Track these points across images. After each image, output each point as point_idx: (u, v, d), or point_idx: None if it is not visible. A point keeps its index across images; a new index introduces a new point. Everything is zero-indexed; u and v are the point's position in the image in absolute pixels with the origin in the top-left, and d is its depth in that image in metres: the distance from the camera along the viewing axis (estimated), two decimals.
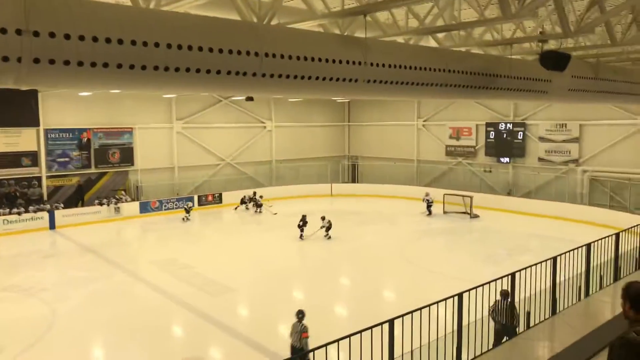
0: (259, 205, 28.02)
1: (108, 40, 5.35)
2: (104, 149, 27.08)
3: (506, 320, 9.12)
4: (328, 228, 21.24)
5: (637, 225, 10.84)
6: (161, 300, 14.57)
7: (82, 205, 25.47)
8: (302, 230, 21.22)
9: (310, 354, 5.46)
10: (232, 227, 25.73)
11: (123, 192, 27.35)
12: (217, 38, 6.44)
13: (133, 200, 27.26)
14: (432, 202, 26.71)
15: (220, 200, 29.60)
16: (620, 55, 14.06)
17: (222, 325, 12.70)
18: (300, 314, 9.68)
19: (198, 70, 6.31)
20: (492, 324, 9.22)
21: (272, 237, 22.40)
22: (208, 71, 6.41)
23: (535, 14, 8.87)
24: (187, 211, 26.34)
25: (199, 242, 22.11)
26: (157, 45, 5.80)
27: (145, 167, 28.43)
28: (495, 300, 9.06)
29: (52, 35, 4.98)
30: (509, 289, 8.03)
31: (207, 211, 28.64)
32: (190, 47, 6.11)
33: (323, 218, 21.41)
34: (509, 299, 8.90)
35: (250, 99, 26.85)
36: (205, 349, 11.65)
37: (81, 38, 5.15)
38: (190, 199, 28.41)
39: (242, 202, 28.91)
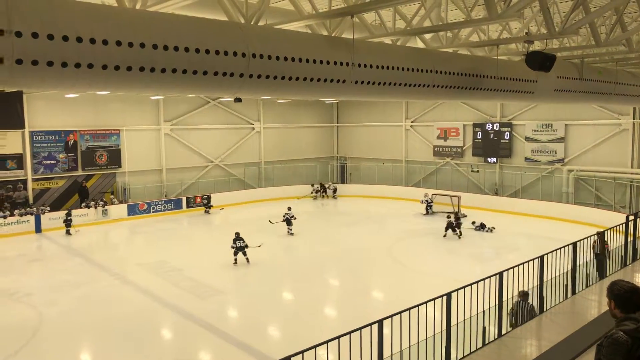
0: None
1: (92, 41, 5.29)
2: (91, 151, 26.83)
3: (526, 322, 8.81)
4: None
5: (621, 223, 10.97)
6: (150, 303, 14.46)
7: (87, 206, 25.30)
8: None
9: (299, 356, 5.44)
10: (221, 229, 25.61)
11: (111, 196, 27.12)
12: (203, 39, 6.40)
13: (121, 202, 27.04)
14: (432, 202, 26.90)
15: (209, 202, 29.45)
16: (604, 56, 14.22)
17: (212, 328, 12.63)
18: None
19: (184, 71, 6.27)
20: (480, 322, 9.24)
21: (260, 239, 22.30)
22: (195, 72, 6.36)
23: (521, 15, 8.94)
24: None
25: (188, 244, 21.98)
26: (142, 46, 5.74)
27: (133, 169, 28.21)
28: (516, 301, 9.01)
29: (35, 35, 4.91)
30: (498, 290, 8.03)
31: (196, 213, 28.49)
32: (176, 48, 6.07)
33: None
34: (529, 301, 8.80)
35: (238, 100, 26.78)
36: (195, 351, 11.57)
37: (65, 38, 5.09)
38: (178, 200, 28.35)
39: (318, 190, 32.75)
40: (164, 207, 27.85)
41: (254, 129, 33.45)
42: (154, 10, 7.88)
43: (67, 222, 23.18)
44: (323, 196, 32.65)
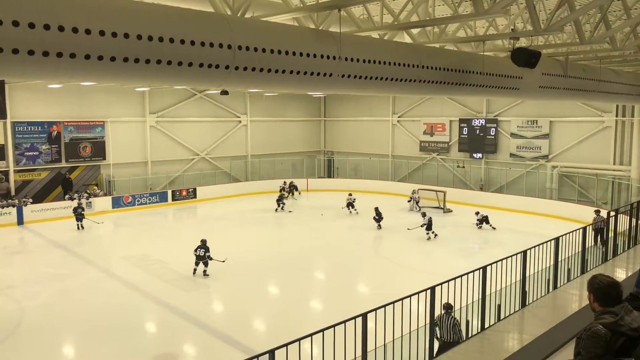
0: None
1: (75, 30, 5.20)
2: (75, 143, 26.48)
3: (449, 336, 8.51)
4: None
5: (602, 220, 11.13)
6: (134, 296, 14.36)
7: (71, 198, 24.85)
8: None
9: (283, 349, 5.44)
10: (206, 223, 25.50)
11: (95, 187, 26.83)
12: (188, 30, 6.32)
13: (105, 195, 26.77)
14: (419, 199, 26.89)
15: (195, 195, 29.30)
16: (588, 53, 14.38)
17: (196, 321, 12.59)
18: None
19: (169, 63, 6.19)
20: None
21: (246, 232, 22.29)
22: (179, 63, 6.29)
23: (507, 11, 9.01)
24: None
25: (172, 237, 21.85)
26: (126, 36, 5.66)
27: (118, 162, 27.94)
28: (440, 314, 8.47)
29: (15, 24, 4.81)
30: (481, 285, 8.09)
31: (181, 206, 28.32)
32: (161, 39, 5.98)
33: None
34: (453, 314, 8.35)
35: (224, 92, 26.59)
36: (179, 345, 11.53)
37: (46, 27, 5.00)
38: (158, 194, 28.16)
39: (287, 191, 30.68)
40: (149, 199, 27.63)
41: (240, 122, 33.28)
42: (138, 0, 7.77)
43: (78, 216, 22.10)
44: (292, 195, 30.49)
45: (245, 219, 25.12)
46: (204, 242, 15.98)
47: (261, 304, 14.17)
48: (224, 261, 15.95)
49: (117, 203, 26.40)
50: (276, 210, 26.47)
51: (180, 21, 6.40)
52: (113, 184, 27.62)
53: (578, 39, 10.96)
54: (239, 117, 33.20)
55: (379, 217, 22.65)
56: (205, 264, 15.73)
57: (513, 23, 12.87)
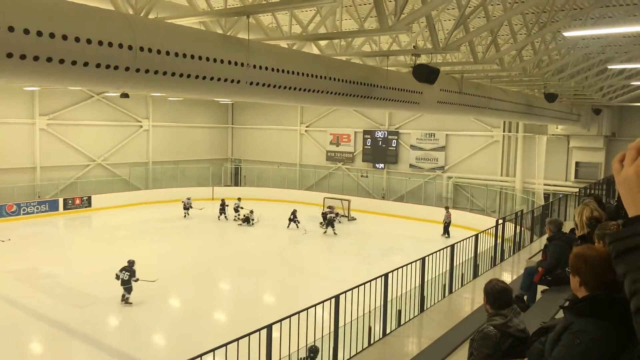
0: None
1: None
2: None
3: None
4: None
5: (492, 227, 12.02)
6: (17, 314, 13.08)
7: None
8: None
9: None
10: (101, 234, 23.96)
11: None
12: (84, 27, 5.88)
13: None
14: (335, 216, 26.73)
15: (90, 204, 27.44)
16: (480, 72, 15.51)
17: (89, 339, 11.73)
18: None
19: (62, 61, 5.70)
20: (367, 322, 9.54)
21: (145, 243, 21.23)
22: (74, 62, 5.81)
23: (409, 29, 9.45)
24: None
25: (63, 249, 20.24)
26: (11, 29, 5.14)
27: (0, 167, 25.40)
28: (304, 357, 8.00)
29: None
30: (383, 291, 8.33)
31: (74, 215, 26.37)
32: (52, 35, 5.51)
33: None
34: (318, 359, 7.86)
35: (125, 95, 25.27)
36: None
37: None
38: (51, 203, 26.01)
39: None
40: (37, 209, 25.42)
41: (141, 126, 31.80)
42: None
43: None
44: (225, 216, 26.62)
45: (145, 229, 23.91)
46: (131, 263, 13.63)
47: (161, 317, 13.53)
48: (154, 281, 13.88)
49: None
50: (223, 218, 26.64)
51: (74, 17, 5.95)
52: None
53: (472, 59, 11.77)
54: (140, 122, 31.71)
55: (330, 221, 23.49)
56: (128, 290, 13.53)
57: (415, 40, 13.55)
